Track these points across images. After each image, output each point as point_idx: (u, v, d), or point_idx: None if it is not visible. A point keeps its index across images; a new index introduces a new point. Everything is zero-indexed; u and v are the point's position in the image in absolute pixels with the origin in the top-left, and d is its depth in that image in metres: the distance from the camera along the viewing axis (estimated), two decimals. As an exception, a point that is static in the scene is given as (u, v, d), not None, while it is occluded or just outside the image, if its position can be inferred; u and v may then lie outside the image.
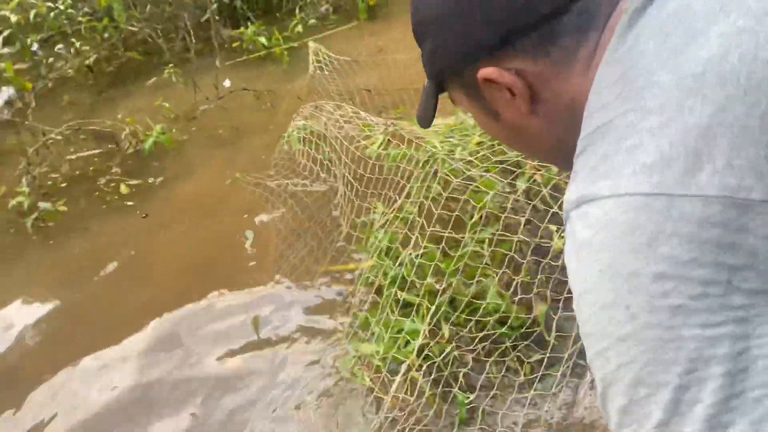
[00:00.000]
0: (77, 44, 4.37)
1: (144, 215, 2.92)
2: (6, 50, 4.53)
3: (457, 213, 2.01)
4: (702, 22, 0.58)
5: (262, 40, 4.22)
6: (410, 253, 2.02)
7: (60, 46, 5.08)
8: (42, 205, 2.80)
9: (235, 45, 4.52)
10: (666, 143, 0.53)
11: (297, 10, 4.50)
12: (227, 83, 4.00)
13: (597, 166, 0.58)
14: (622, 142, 0.56)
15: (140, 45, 4.81)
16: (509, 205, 1.97)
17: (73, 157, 3.40)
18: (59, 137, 3.27)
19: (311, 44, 3.99)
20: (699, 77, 0.54)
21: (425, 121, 0.85)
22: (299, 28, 4.27)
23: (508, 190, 2.12)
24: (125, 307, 2.42)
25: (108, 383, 2.09)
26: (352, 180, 2.67)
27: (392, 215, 2.33)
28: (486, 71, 0.69)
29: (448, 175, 2.14)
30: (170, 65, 3.67)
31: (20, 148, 3.71)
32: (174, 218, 2.87)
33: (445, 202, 2.16)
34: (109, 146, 3.46)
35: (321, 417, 1.87)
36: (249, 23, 4.56)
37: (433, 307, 1.89)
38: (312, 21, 4.38)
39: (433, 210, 2.09)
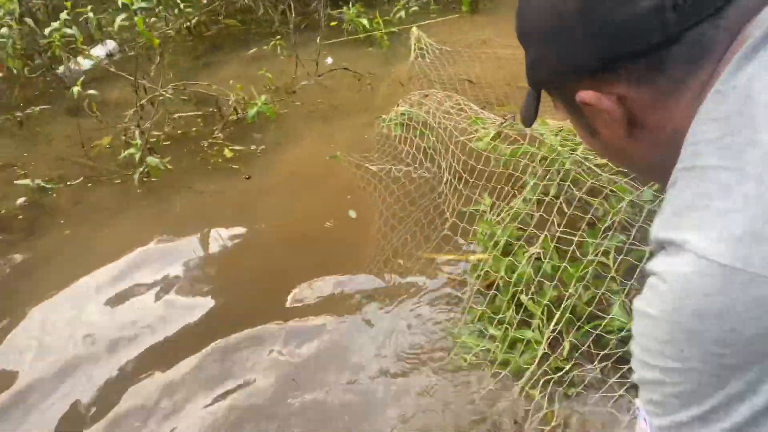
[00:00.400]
0: (181, 5, 4.44)
1: (247, 176, 2.96)
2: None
3: (590, 216, 1.96)
4: None
5: (364, 21, 4.21)
6: (532, 253, 1.98)
7: (159, 7, 5.18)
8: (151, 159, 2.85)
9: (333, 24, 4.53)
10: (760, 218, 0.52)
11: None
12: (329, 60, 4.01)
13: (684, 212, 0.58)
14: (715, 200, 0.55)
15: (238, 14, 4.86)
16: (643, 214, 1.90)
17: (176, 116, 3.45)
18: (169, 95, 3.32)
19: (414, 30, 3.97)
20: None
21: (527, 120, 0.84)
22: (401, 13, 4.24)
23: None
24: (231, 269, 2.45)
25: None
26: (460, 170, 2.64)
27: (506, 210, 2.29)
28: (585, 95, 0.67)
29: (580, 174, 2.09)
30: (278, 37, 3.69)
31: (122, 100, 3.80)
32: (276, 186, 2.90)
33: (567, 203, 2.11)
34: (211, 110, 3.50)
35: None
36: (349, 4, 4.57)
37: (555, 317, 1.85)
38: (414, 8, 4.35)
39: (561, 209, 2.05)
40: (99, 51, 4.25)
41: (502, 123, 2.86)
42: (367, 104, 3.52)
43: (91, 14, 3.97)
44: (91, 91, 3.28)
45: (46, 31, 3.71)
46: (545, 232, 2.03)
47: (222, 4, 4.66)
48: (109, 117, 3.54)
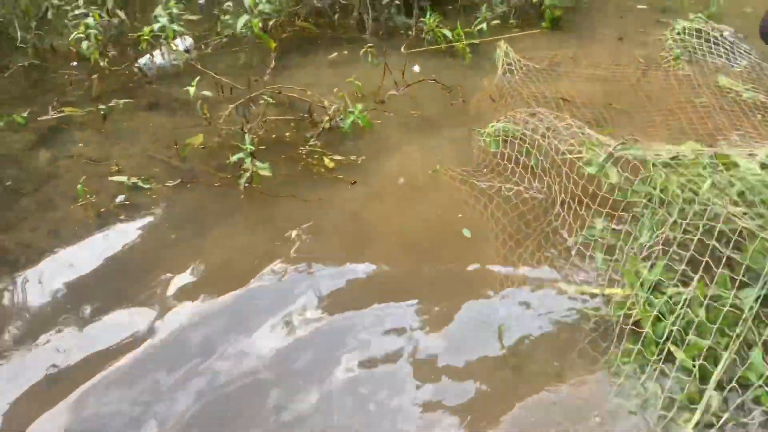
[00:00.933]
0: (260, 5, 4.38)
1: (353, 181, 2.91)
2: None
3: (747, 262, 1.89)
4: None
5: (446, 32, 4.14)
6: (686, 298, 1.91)
7: (228, 3, 5.12)
8: (260, 165, 2.78)
9: (410, 32, 4.47)
10: None
11: (483, 9, 4.39)
12: (416, 68, 3.95)
13: None
14: None
15: (313, 17, 4.80)
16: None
17: (267, 119, 3.38)
18: (269, 99, 3.26)
19: (502, 44, 3.91)
20: None
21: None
22: (483, 26, 4.18)
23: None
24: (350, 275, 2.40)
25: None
26: (579, 193, 2.57)
27: (646, 243, 2.22)
28: None
29: (734, 216, 2.02)
30: (369, 45, 3.62)
31: (203, 98, 3.73)
32: (383, 196, 2.84)
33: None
34: (302, 115, 3.44)
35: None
36: (424, 13, 4.50)
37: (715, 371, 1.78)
38: (494, 21, 4.28)
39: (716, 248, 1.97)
40: (178, 45, 4.18)
41: (615, 147, 2.79)
42: (460, 118, 3.46)
43: (175, 10, 3.92)
44: (206, 92, 3.20)
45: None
46: (699, 274, 1.96)
47: (300, 7, 4.59)
48: (193, 115, 3.48)
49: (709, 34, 3.97)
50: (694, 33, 4.02)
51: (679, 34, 4.08)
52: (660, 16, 4.52)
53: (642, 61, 3.88)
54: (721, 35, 4.00)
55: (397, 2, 4.50)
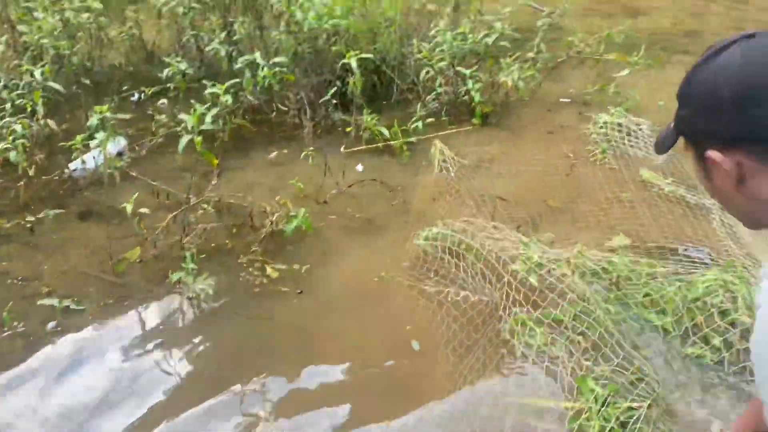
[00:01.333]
0: (197, 106, 4.38)
1: (299, 291, 2.85)
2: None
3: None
4: None
5: (383, 130, 4.25)
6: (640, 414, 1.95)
7: (163, 101, 5.11)
8: (201, 282, 2.70)
9: (348, 129, 4.56)
10: None
11: (417, 107, 4.55)
12: (360, 168, 4.00)
13: None
14: None
15: (250, 114, 4.84)
16: None
17: (207, 227, 3.32)
18: (208, 208, 3.21)
19: (437, 143, 4.03)
20: None
21: (660, 149, 1.16)
22: (418, 124, 4.32)
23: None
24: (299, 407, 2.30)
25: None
26: (519, 298, 2.62)
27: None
28: (714, 155, 0.98)
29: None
30: (310, 149, 3.66)
31: (140, 205, 3.64)
32: (329, 310, 2.79)
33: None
34: (242, 222, 3.40)
35: None
36: (360, 110, 4.63)
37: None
38: (429, 119, 4.43)
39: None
40: (110, 149, 4.10)
41: (544, 254, 2.89)
42: (402, 218, 3.50)
43: (108, 113, 3.86)
44: (144, 210, 3.11)
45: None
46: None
47: (237, 106, 4.62)
48: (128, 225, 3.37)
49: (629, 128, 4.24)
50: (616, 126, 4.29)
51: (601, 127, 4.34)
52: (582, 109, 4.80)
53: (570, 155, 4.09)
54: (640, 128, 4.28)
55: (335, 101, 4.60)
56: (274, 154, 4.27)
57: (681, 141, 1.11)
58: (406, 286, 2.91)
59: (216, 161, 2.84)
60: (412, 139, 4.34)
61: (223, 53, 4.27)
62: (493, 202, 3.57)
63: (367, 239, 3.32)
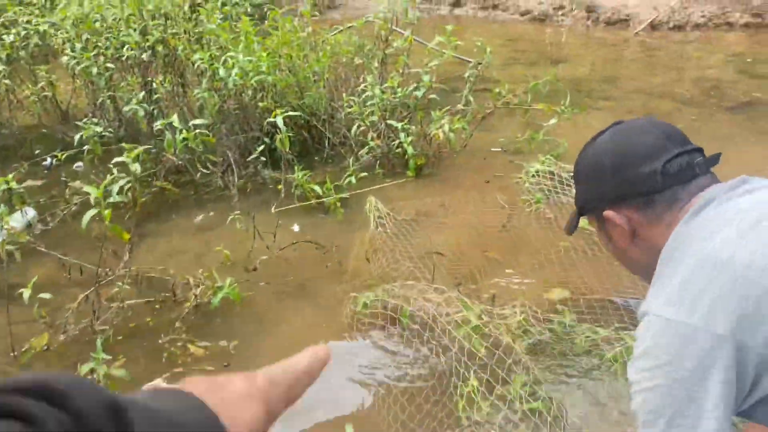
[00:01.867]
0: (114, 170, 4.11)
1: (226, 364, 2.60)
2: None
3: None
4: (720, 225, 1.11)
5: (315, 187, 4.10)
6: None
7: (79, 164, 4.81)
8: (118, 372, 2.42)
9: (279, 187, 4.39)
10: (684, 294, 1.07)
11: (350, 161, 4.44)
12: (296, 228, 3.82)
13: (650, 294, 1.16)
14: (665, 283, 1.12)
15: (173, 174, 4.60)
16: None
17: (124, 305, 3.04)
18: (125, 285, 2.93)
19: (371, 200, 3.91)
20: (705, 260, 1.08)
21: (569, 230, 1.44)
22: (351, 179, 4.20)
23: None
24: None
25: None
26: (466, 371, 2.48)
27: None
28: (608, 213, 1.25)
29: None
30: (236, 213, 3.45)
31: (48, 282, 3.33)
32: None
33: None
34: (164, 295, 3.14)
35: None
36: (291, 165, 4.48)
37: None
38: (363, 174, 4.33)
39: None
40: (17, 221, 3.77)
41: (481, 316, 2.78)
42: (338, 281, 3.33)
43: (14, 183, 3.55)
44: (45, 295, 2.80)
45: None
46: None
47: (160, 167, 4.38)
48: (33, 306, 3.05)
49: (561, 176, 4.26)
50: (548, 175, 4.29)
51: (533, 176, 4.33)
52: (513, 157, 4.81)
53: (506, 206, 4.04)
54: (571, 176, 4.30)
55: (264, 158, 4.43)
56: (200, 218, 4.04)
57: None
58: (344, 360, 2.72)
59: (127, 236, 2.59)
60: (346, 195, 4.22)
61: (141, 113, 4.05)
62: (431, 259, 3.45)
63: (300, 307, 3.12)
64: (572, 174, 1.40)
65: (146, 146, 3.67)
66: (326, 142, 4.92)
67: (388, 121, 4.52)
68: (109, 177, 2.57)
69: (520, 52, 8.51)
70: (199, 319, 2.99)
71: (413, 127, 4.65)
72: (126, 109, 4.11)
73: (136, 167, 2.57)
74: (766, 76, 6.80)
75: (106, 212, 2.42)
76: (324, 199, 4.12)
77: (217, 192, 4.40)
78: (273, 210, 3.88)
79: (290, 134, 4.50)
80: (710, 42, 8.78)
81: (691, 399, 1.02)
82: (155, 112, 4.70)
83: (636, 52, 8.45)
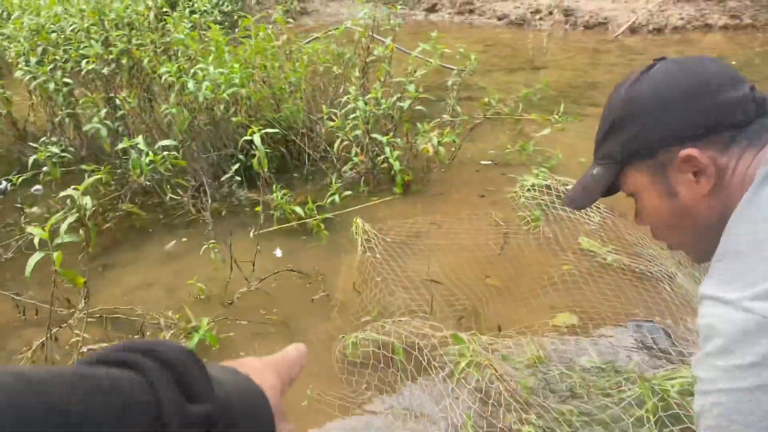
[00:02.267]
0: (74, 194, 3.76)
1: None
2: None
3: None
4: None
5: (296, 209, 3.80)
6: None
7: (38, 186, 4.44)
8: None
9: (257, 209, 4.07)
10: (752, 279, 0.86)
11: (333, 178, 4.14)
12: (279, 253, 3.50)
13: (731, 280, 0.89)
14: (743, 268, 0.87)
15: (140, 197, 4.25)
16: None
17: (84, 350, 2.70)
18: (79, 331, 2.58)
19: (358, 222, 3.62)
20: None
21: (586, 202, 1.14)
22: (335, 198, 3.90)
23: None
24: None
25: None
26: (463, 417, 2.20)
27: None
28: (690, 151, 0.97)
29: None
30: (211, 242, 3.12)
31: (2, 323, 2.98)
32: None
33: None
34: (133, 338, 2.80)
35: None
36: (269, 185, 4.16)
37: None
38: (347, 192, 4.03)
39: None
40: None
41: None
42: (325, 316, 3.02)
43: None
44: None
45: None
46: None
47: (127, 190, 4.03)
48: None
49: (558, 189, 4.01)
50: (544, 189, 4.05)
51: (528, 190, 4.09)
52: (505, 170, 4.57)
53: (502, 224, 3.78)
54: (568, 189, 4.06)
55: (239, 177, 4.11)
56: (171, 245, 3.70)
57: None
58: (337, 409, 2.42)
59: (82, 281, 2.25)
60: (330, 215, 3.92)
61: (104, 132, 3.70)
62: (427, 287, 3.17)
63: (286, 345, 2.80)
64: (604, 121, 1.09)
65: (109, 167, 3.34)
66: (306, 158, 4.62)
67: (373, 135, 4.24)
68: (59, 213, 2.23)
69: (499, 58, 8.31)
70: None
71: (399, 141, 4.38)
72: (87, 127, 3.75)
73: (86, 201, 2.23)
74: (747, 77, 6.68)
75: (56, 255, 2.08)
76: (306, 220, 3.82)
77: (189, 215, 4.06)
78: (251, 235, 3.56)
79: (267, 150, 4.19)
80: (690, 44, 8.69)
81: None
82: (120, 129, 4.34)
83: (617, 56, 8.31)
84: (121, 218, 4.02)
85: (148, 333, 2.79)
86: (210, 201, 4.05)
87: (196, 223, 3.97)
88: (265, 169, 3.13)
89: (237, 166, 4.09)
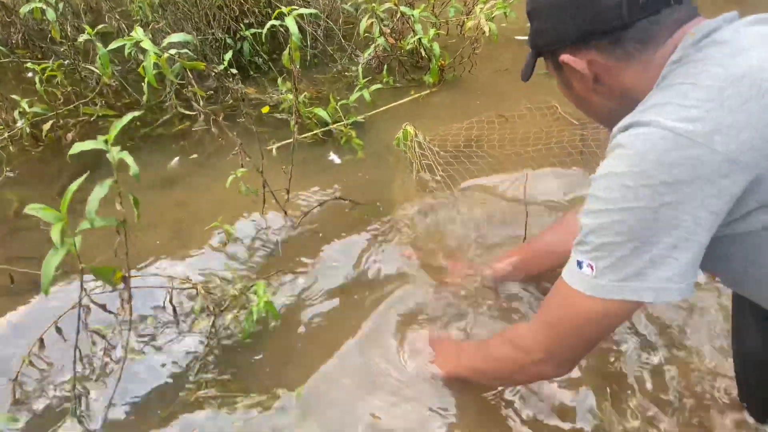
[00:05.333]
0: (23, 103, 2.79)
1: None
2: None
3: None
4: (747, 45, 1.00)
5: (320, 113, 2.98)
6: None
7: None
8: None
9: (266, 111, 3.21)
10: (704, 111, 0.94)
11: (359, 69, 3.28)
12: (336, 159, 2.71)
13: (651, 108, 1.00)
14: (676, 99, 0.98)
15: (111, 96, 3.29)
16: None
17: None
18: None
19: (410, 129, 2.85)
20: (739, 77, 0.95)
21: (525, 75, 1.31)
22: (365, 94, 3.07)
23: None
24: None
25: None
26: None
27: None
28: (564, 57, 1.15)
29: None
30: (241, 169, 2.28)
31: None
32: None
33: None
34: (158, 306, 2.06)
35: None
36: (264, 73, 3.28)
37: None
38: (375, 86, 3.18)
39: None
40: None
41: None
42: (394, 263, 2.33)
43: None
44: None
45: None
46: None
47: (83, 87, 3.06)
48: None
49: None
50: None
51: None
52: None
53: (575, 121, 3.09)
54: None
55: (233, 71, 3.18)
56: (175, 162, 2.87)
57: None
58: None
59: (120, 276, 1.46)
60: (360, 118, 3.14)
61: (53, 15, 2.67)
62: (512, 213, 2.50)
63: (352, 320, 2.10)
64: (527, 7, 1.22)
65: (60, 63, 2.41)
66: (310, 40, 3.70)
67: (402, 8, 3.34)
68: None
69: None
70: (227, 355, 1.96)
71: (430, 15, 3.51)
72: (25, 8, 2.70)
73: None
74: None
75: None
76: (333, 127, 3.02)
77: (173, 125, 3.17)
78: (273, 148, 2.77)
79: (258, 30, 3.27)
80: None
81: (675, 227, 0.96)
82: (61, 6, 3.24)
83: None
84: (89, 126, 3.09)
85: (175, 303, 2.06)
86: (201, 103, 3.14)
87: (189, 135, 3.11)
88: (297, 65, 2.28)
89: (230, 54, 3.16)
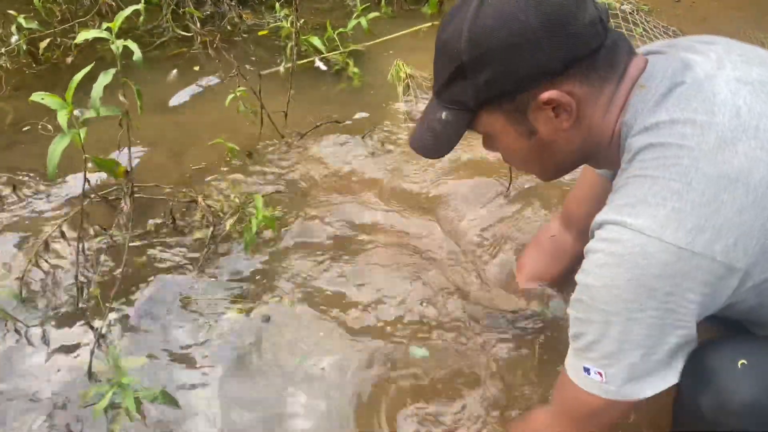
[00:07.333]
0: (20, 18, 2.77)
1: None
2: None
3: None
4: (731, 136, 0.93)
5: (315, 42, 2.99)
6: None
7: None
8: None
9: (261, 33, 3.22)
10: (703, 220, 0.90)
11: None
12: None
13: (639, 205, 0.94)
14: (670, 201, 0.91)
15: (95, 17, 3.26)
16: None
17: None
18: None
19: (402, 66, 2.89)
20: (733, 180, 0.91)
21: (443, 150, 1.10)
22: (362, 22, 3.08)
23: None
24: None
25: None
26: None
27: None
28: (550, 93, 0.98)
29: None
30: (239, 89, 2.31)
31: None
32: None
33: None
34: (162, 222, 2.12)
35: None
36: (274, 7, 3.26)
37: None
38: (373, 14, 3.17)
39: None
40: None
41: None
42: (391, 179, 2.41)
43: None
44: None
45: None
46: None
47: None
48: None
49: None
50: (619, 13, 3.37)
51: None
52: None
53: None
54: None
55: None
56: (173, 73, 2.90)
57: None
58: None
59: (123, 170, 1.50)
60: (360, 47, 3.15)
61: None
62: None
63: (353, 235, 2.20)
64: (446, 60, 1.02)
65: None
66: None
67: None
68: None
69: None
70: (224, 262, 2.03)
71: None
72: None
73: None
74: None
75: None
76: (330, 55, 3.04)
77: (169, 48, 3.18)
78: (281, 69, 2.80)
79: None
80: None
81: (680, 327, 0.97)
82: None
83: None
84: (89, 48, 3.07)
85: (179, 217, 2.12)
86: (199, 25, 3.15)
87: (186, 58, 3.11)
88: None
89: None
